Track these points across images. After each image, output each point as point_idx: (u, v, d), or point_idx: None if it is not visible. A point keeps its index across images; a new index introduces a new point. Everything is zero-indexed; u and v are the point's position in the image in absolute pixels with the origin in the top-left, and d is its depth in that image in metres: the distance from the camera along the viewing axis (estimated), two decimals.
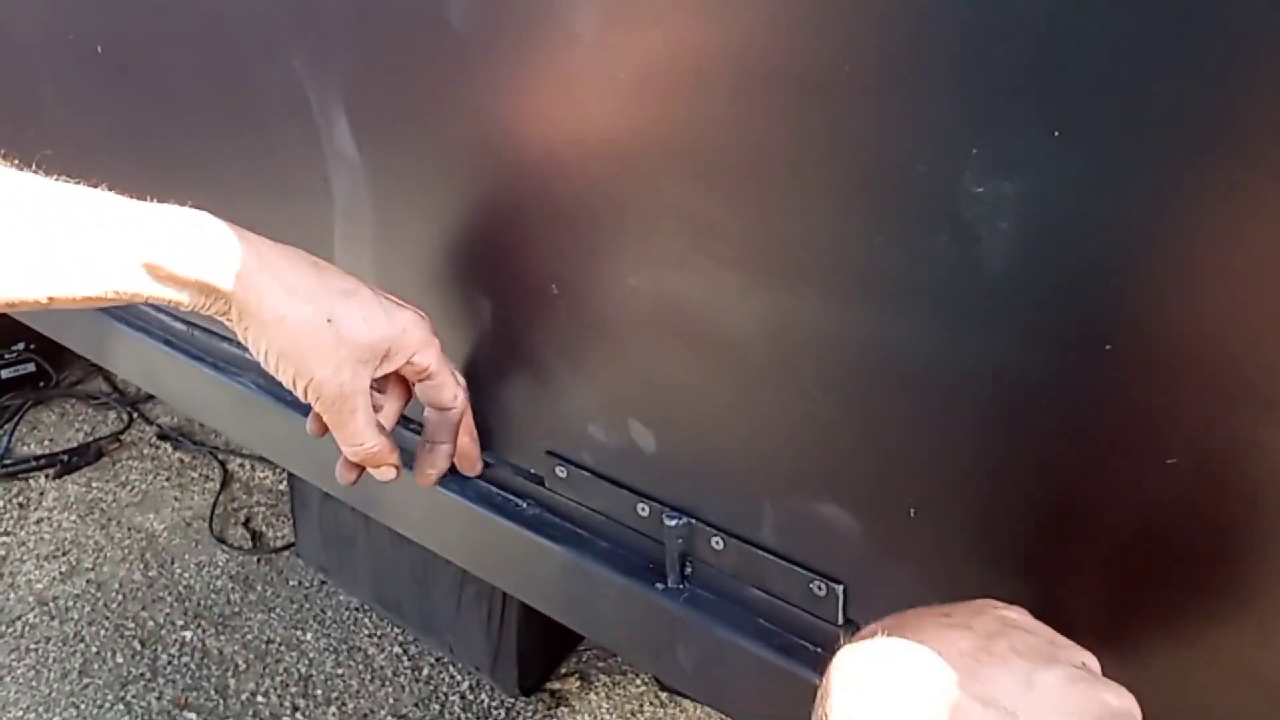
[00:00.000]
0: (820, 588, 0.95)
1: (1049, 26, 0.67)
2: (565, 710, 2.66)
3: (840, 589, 0.94)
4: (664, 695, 2.69)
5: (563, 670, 2.76)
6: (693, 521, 1.03)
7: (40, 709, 2.67)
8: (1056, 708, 0.68)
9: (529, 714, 2.65)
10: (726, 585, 1.04)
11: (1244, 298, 0.65)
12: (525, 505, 1.20)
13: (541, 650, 2.67)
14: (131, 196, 0.92)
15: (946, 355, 0.79)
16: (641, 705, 2.68)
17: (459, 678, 2.75)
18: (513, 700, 2.67)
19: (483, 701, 2.69)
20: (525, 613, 2.53)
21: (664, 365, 0.98)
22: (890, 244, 0.79)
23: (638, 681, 2.73)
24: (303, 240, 1.26)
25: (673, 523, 1.04)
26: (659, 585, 1.07)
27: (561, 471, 1.13)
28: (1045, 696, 0.68)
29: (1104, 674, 0.81)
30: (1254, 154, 0.62)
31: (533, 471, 1.18)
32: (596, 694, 2.70)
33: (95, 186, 0.90)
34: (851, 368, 0.86)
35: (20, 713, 2.66)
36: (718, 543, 1.02)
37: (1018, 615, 0.76)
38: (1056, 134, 0.68)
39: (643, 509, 1.07)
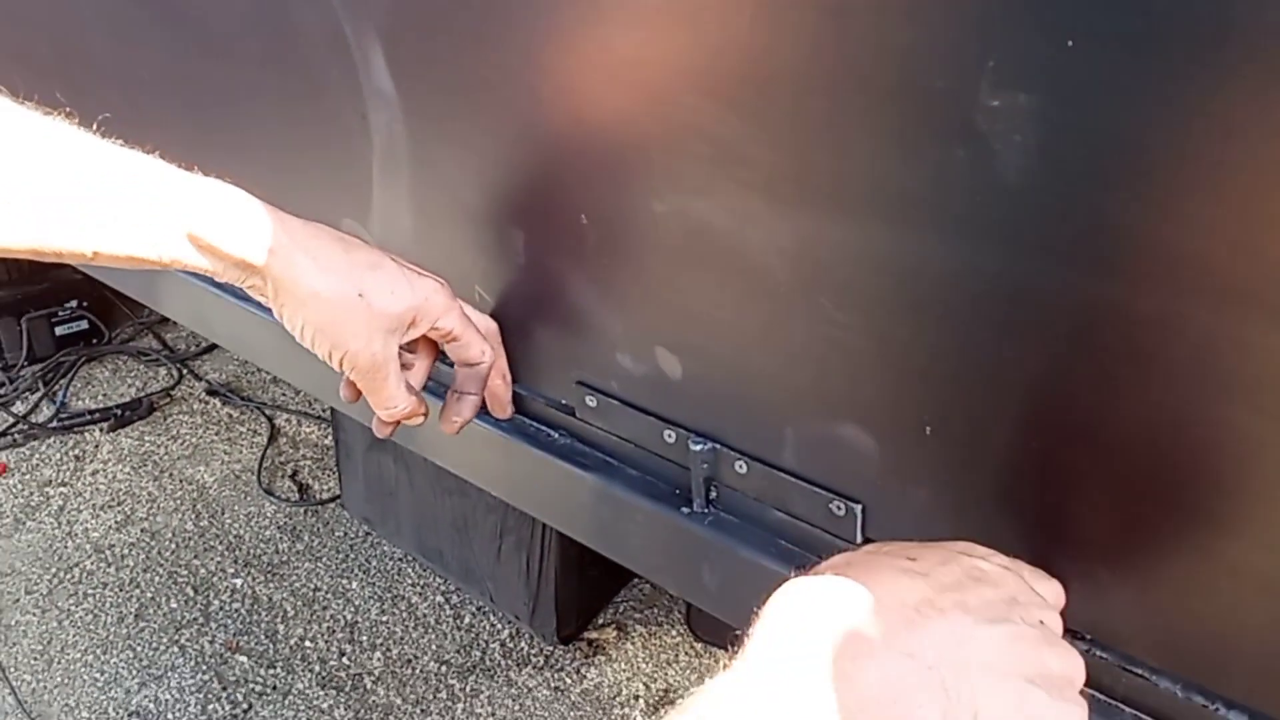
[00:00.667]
0: (839, 508, 0.98)
1: None
2: (602, 659, 2.71)
3: (859, 509, 0.97)
4: (699, 646, 2.73)
5: (600, 620, 2.81)
6: (717, 446, 1.06)
7: (98, 650, 2.77)
8: (987, 666, 0.67)
9: (566, 661, 2.70)
10: (749, 508, 1.07)
11: (1248, 206, 0.66)
12: (557, 435, 1.23)
13: (579, 600, 2.72)
14: (176, 143, 0.96)
15: (961, 272, 0.81)
16: (677, 655, 2.73)
17: (499, 626, 2.81)
18: (551, 648, 2.73)
19: (522, 649, 2.75)
20: (563, 563, 2.58)
21: (689, 292, 1.01)
22: (908, 161, 0.80)
23: (673, 632, 2.78)
24: (343, 177, 1.30)
25: (698, 448, 1.06)
26: (685, 510, 1.10)
27: (591, 401, 1.16)
28: (977, 654, 0.67)
29: (1107, 591, 0.83)
30: (1266, 60, 0.63)
31: (564, 402, 1.21)
32: (633, 644, 2.75)
33: (145, 143, 0.95)
34: (870, 288, 0.88)
35: (79, 654, 2.76)
36: (741, 466, 1.04)
37: (991, 567, 0.75)
38: (1070, 44, 0.69)
39: (669, 435, 1.10)
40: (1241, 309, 0.69)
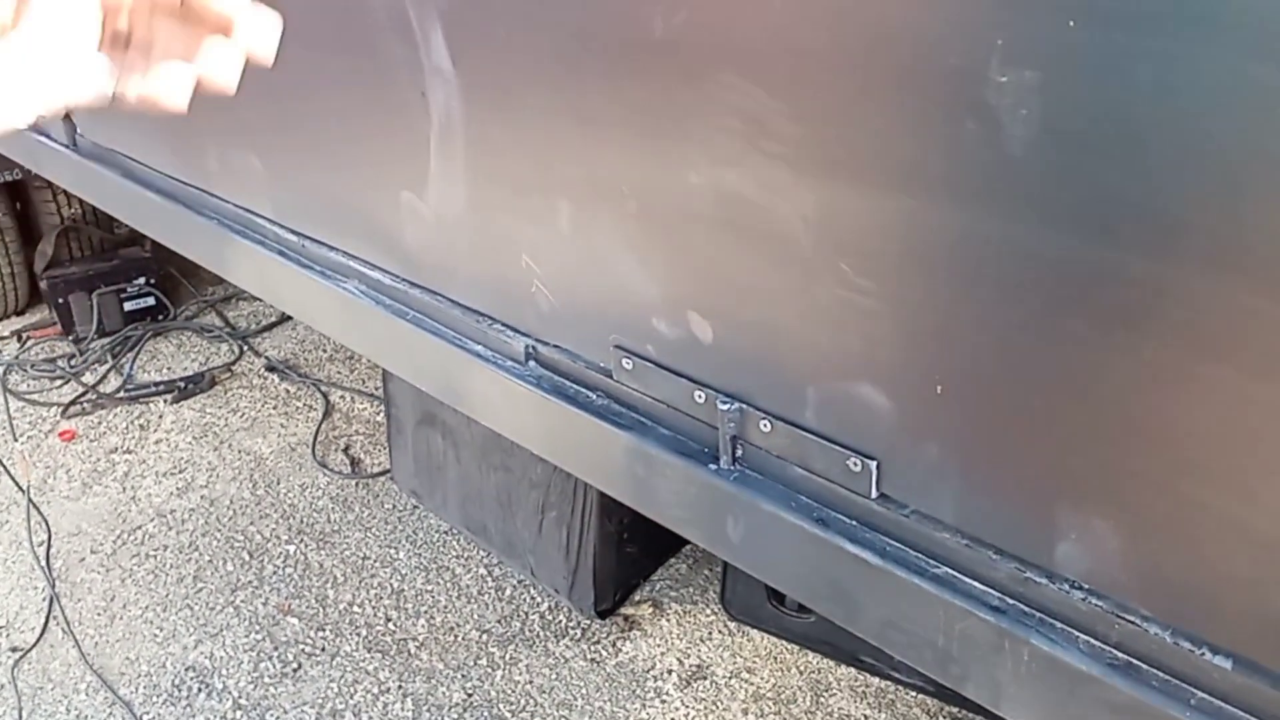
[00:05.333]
0: (856, 464, 1.04)
1: None
2: (638, 634, 2.79)
3: (874, 465, 1.03)
4: (732, 625, 2.79)
5: (636, 597, 2.88)
6: (744, 406, 1.13)
7: (158, 608, 2.90)
8: None
9: (603, 635, 2.78)
10: (772, 465, 1.13)
11: (1235, 178, 0.72)
12: (595, 396, 1.31)
13: (616, 576, 2.80)
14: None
15: (969, 238, 0.87)
16: (710, 633, 2.79)
17: (539, 599, 2.89)
18: (588, 622, 2.81)
19: (560, 622, 2.83)
20: (601, 539, 2.66)
21: (720, 258, 1.08)
22: (922, 133, 0.87)
23: (708, 611, 2.85)
24: (402, 151, 1.39)
25: (726, 407, 1.13)
26: (713, 466, 1.17)
27: (627, 364, 1.23)
28: None
29: (1102, 542, 0.88)
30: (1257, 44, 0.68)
31: (601, 365, 1.28)
32: (668, 620, 2.82)
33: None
34: (887, 254, 0.94)
35: (139, 611, 2.90)
36: (765, 425, 1.11)
37: None
38: (1072, 24, 0.75)
39: (699, 396, 1.17)
40: (1229, 274, 0.75)
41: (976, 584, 0.99)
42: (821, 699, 2.60)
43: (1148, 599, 0.89)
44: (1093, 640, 0.93)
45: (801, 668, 2.67)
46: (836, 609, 1.11)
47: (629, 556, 2.80)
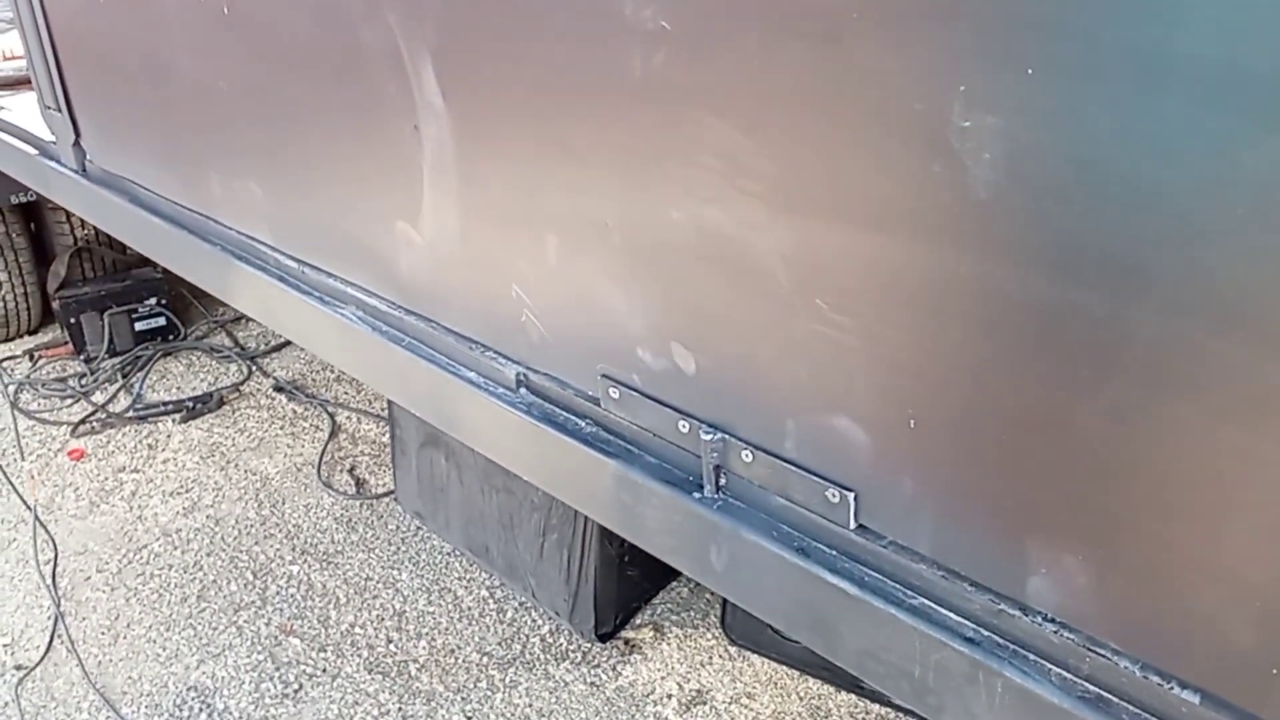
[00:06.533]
0: (835, 495, 1.06)
1: None
2: (638, 658, 2.80)
3: (853, 496, 1.04)
4: (733, 650, 2.80)
5: (637, 620, 2.89)
6: (726, 436, 1.14)
7: (161, 628, 2.93)
8: None
9: (603, 659, 2.79)
10: (754, 494, 1.15)
11: (1190, 220, 0.74)
12: (584, 424, 1.33)
13: (617, 599, 2.81)
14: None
15: (940, 276, 0.89)
16: (711, 658, 2.80)
17: (540, 621, 2.91)
18: (589, 645, 2.81)
19: (561, 645, 2.84)
20: (602, 563, 2.67)
21: (702, 291, 1.10)
22: (893, 175, 0.89)
23: (708, 635, 2.85)
24: (397, 183, 1.42)
25: (709, 437, 1.15)
26: (696, 495, 1.19)
27: (614, 393, 1.25)
28: None
29: (1073, 576, 0.89)
30: (1196, 91, 0.70)
31: (590, 393, 1.30)
32: (668, 645, 2.83)
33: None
34: (861, 291, 0.96)
35: (143, 630, 2.92)
36: (747, 455, 1.13)
37: None
38: (1030, 72, 0.77)
39: (683, 426, 1.18)
40: (1189, 316, 0.76)
41: (952, 615, 1.00)
42: None
43: (1118, 633, 0.90)
44: (1065, 673, 0.94)
45: (802, 694, 2.67)
46: (817, 638, 1.12)
47: (630, 580, 2.81)
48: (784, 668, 2.74)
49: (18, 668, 2.78)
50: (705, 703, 2.67)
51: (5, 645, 2.88)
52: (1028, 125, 0.79)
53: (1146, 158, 0.74)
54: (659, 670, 2.76)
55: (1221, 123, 0.69)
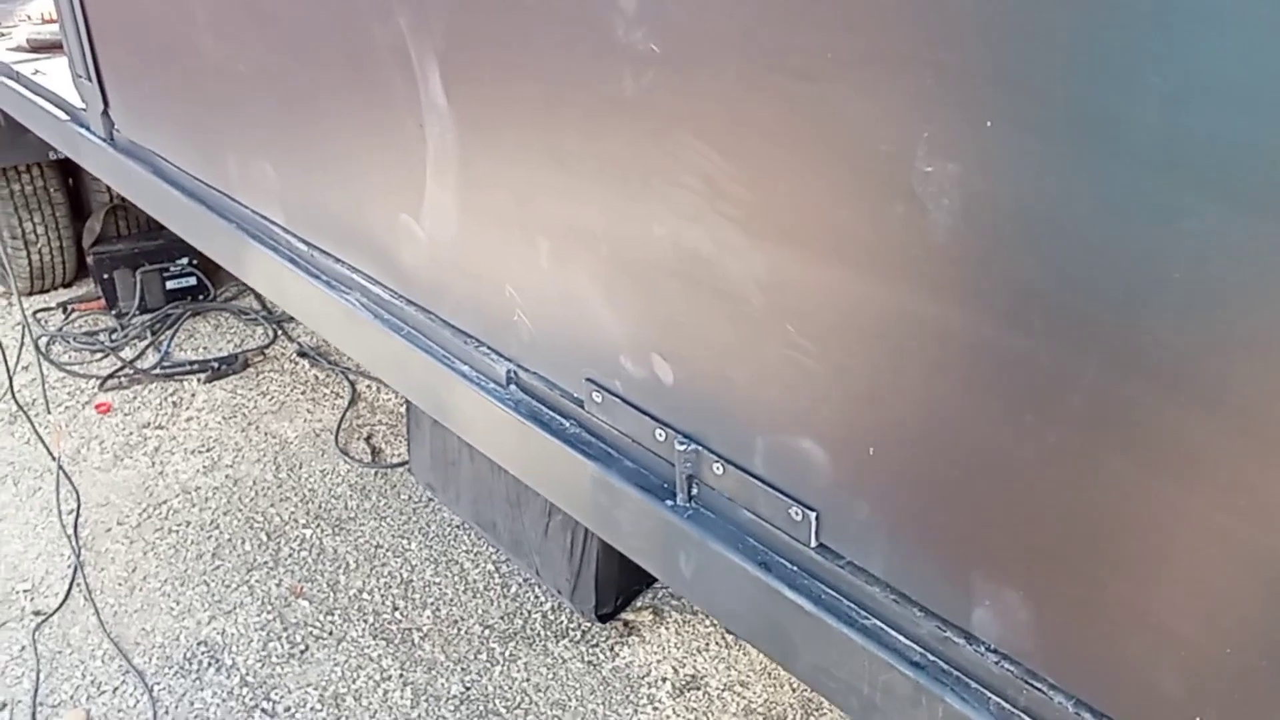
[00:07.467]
0: (798, 513, 1.08)
1: (983, 36, 0.77)
2: (636, 640, 2.84)
3: (814, 515, 1.07)
4: (730, 638, 2.84)
5: (638, 603, 2.94)
6: (699, 448, 1.17)
7: (176, 582, 3.01)
8: None
9: (602, 639, 2.84)
10: (723, 506, 1.18)
11: (1131, 278, 0.75)
12: (568, 424, 1.36)
13: (618, 582, 2.85)
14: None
15: (897, 312, 0.91)
16: (708, 644, 2.84)
17: (542, 598, 2.96)
18: (589, 624, 2.87)
19: (562, 623, 2.89)
20: (605, 545, 2.71)
21: (680, 307, 1.12)
22: (858, 212, 0.91)
23: (707, 622, 2.89)
24: (401, 177, 1.45)
25: (683, 447, 1.18)
26: (669, 502, 1.22)
27: (597, 397, 1.28)
28: None
29: (1014, 610, 0.92)
30: (1145, 149, 0.71)
31: (575, 395, 1.33)
32: (667, 629, 2.87)
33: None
34: (826, 319, 0.98)
35: (159, 584, 3.01)
36: (719, 468, 1.16)
37: None
38: (989, 124, 0.79)
39: (660, 434, 1.21)
40: (1129, 371, 0.78)
41: (901, 638, 1.03)
42: (812, 717, 2.63)
43: (1055, 669, 0.92)
44: (1003, 703, 0.96)
45: (794, 685, 2.71)
46: (774, 649, 1.15)
47: (632, 563, 2.85)
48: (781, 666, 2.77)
49: (36, 613, 2.88)
50: (699, 688, 2.72)
51: (25, 591, 2.98)
52: (985, 175, 0.80)
53: (1092, 215, 0.76)
54: (656, 653, 2.81)
55: (1163, 187, 0.71)
